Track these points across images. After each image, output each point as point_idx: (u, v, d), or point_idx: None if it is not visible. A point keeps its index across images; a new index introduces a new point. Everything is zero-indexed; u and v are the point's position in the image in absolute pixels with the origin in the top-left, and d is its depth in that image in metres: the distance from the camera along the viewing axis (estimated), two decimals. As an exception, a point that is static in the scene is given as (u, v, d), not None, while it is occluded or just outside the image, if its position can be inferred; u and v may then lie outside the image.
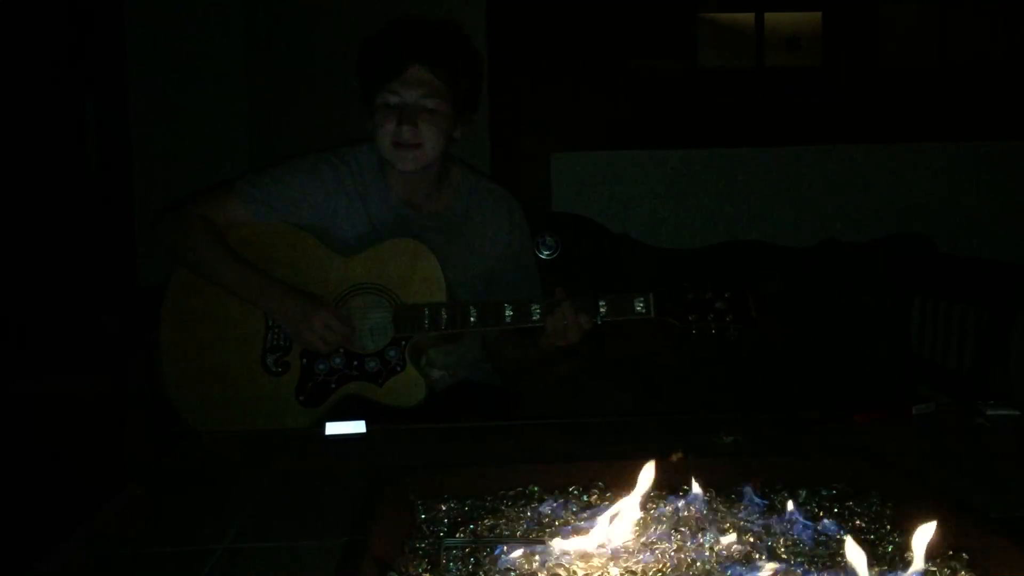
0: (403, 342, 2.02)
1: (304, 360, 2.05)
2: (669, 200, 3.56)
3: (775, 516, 1.19)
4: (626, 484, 1.18)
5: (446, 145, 2.15)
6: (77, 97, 3.46)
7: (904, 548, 1.08)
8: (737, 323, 1.93)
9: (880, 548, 1.11)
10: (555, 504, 1.25)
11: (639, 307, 1.95)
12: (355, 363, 2.04)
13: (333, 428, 1.72)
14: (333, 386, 2.04)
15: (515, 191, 2.39)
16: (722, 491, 1.26)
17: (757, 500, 1.22)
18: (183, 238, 2.11)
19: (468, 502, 1.27)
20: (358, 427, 1.72)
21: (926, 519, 1.01)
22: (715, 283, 1.96)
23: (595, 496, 1.28)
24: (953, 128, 3.58)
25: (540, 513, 1.23)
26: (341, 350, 2.04)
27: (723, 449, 1.55)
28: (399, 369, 2.02)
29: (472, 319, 1.99)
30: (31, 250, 3.41)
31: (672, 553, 1.09)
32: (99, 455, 2.86)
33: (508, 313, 1.98)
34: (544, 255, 1.90)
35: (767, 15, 3.69)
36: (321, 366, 2.04)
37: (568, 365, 2.51)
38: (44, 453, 3.04)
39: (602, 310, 1.96)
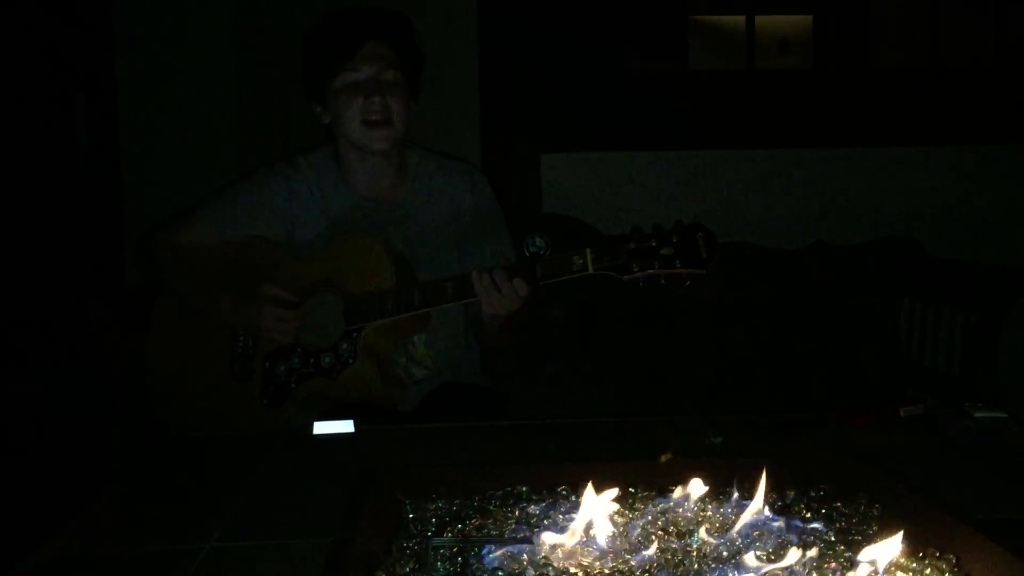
0: (354, 334, 2.02)
1: (267, 364, 2.07)
2: (660, 202, 3.56)
3: (762, 516, 1.19)
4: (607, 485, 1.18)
5: (409, 121, 2.15)
6: (67, 96, 3.45)
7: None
8: (687, 266, 1.80)
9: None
10: (543, 504, 1.24)
11: (577, 263, 1.86)
12: (312, 360, 2.05)
13: (321, 428, 1.71)
14: (293, 385, 2.05)
15: (505, 192, 2.38)
16: (710, 492, 1.26)
17: (744, 501, 1.22)
18: (149, 262, 2.21)
19: (456, 502, 1.26)
20: (346, 427, 1.71)
21: (913, 520, 1.00)
22: (659, 228, 1.84)
23: (583, 496, 1.27)
24: (943, 131, 3.59)
25: (528, 513, 1.22)
26: (299, 349, 2.05)
27: (711, 450, 1.55)
28: (351, 361, 2.01)
29: (415, 301, 1.98)
30: (20, 249, 3.39)
31: (659, 553, 1.09)
32: (86, 454, 2.85)
33: (449, 290, 1.95)
34: (533, 257, 1.87)
35: (758, 18, 3.71)
36: (282, 367, 2.06)
37: (555, 365, 2.49)
38: (30, 452, 3.03)
39: (538, 272, 1.89)
